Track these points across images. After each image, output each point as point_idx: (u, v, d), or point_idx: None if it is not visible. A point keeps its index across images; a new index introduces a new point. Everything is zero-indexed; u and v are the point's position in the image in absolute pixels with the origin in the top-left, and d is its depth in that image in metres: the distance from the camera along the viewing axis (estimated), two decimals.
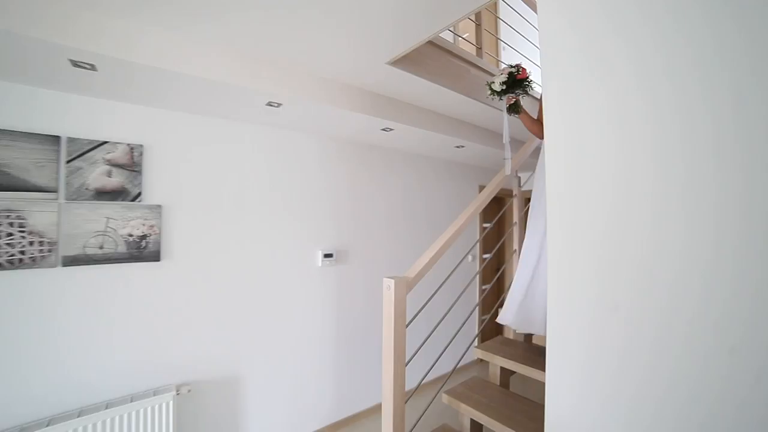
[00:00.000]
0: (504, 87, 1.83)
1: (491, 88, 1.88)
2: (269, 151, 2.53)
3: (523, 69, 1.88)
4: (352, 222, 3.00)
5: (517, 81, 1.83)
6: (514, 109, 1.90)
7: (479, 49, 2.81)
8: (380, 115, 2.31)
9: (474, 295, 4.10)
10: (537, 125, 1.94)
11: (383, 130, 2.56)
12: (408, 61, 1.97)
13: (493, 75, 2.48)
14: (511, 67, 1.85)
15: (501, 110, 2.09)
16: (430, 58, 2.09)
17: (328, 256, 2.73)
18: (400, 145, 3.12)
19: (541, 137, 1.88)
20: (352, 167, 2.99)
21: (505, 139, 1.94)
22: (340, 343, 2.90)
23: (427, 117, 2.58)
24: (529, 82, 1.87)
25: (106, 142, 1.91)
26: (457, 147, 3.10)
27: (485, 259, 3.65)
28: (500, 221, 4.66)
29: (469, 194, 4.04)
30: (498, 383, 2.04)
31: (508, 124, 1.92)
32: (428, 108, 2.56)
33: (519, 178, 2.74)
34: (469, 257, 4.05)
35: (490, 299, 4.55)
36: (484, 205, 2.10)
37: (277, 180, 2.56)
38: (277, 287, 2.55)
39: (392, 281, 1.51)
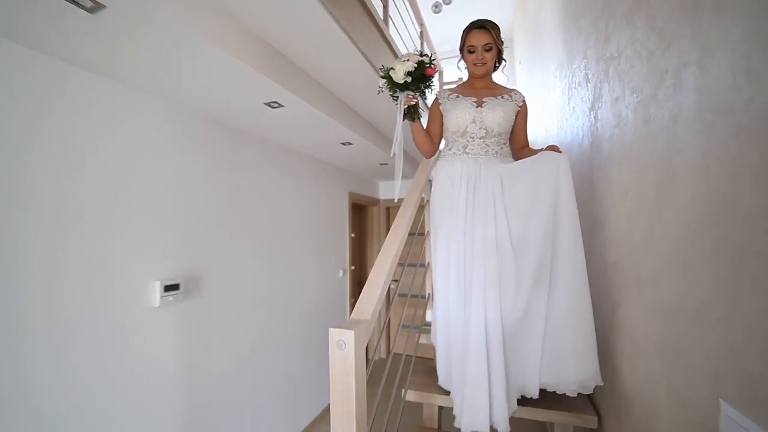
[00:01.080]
0: (408, 79, 1.29)
1: (390, 78, 1.31)
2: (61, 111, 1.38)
3: (434, 62, 1.40)
4: (209, 233, 2.05)
5: (424, 75, 1.33)
6: (412, 113, 1.39)
7: (385, 8, 2.27)
8: (271, 75, 1.59)
9: (344, 314, 3.66)
10: (429, 141, 1.52)
11: (269, 104, 1.82)
12: None
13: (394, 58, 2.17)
14: (421, 54, 1.33)
15: (395, 108, 1.45)
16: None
17: (171, 288, 1.71)
18: (280, 134, 2.41)
19: (431, 155, 1.56)
20: (210, 156, 2.07)
21: (396, 148, 1.41)
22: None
23: (324, 96, 2.01)
24: (432, 82, 1.40)
25: None
26: (344, 144, 2.63)
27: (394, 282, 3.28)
28: (362, 230, 4.43)
29: (340, 203, 3.62)
30: (438, 427, 1.68)
31: (402, 131, 1.40)
32: (326, 84, 2.00)
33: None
34: (340, 272, 3.60)
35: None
36: (413, 217, 1.70)
37: (75, 169, 1.42)
38: (72, 357, 1.38)
39: (349, 333, 0.90)
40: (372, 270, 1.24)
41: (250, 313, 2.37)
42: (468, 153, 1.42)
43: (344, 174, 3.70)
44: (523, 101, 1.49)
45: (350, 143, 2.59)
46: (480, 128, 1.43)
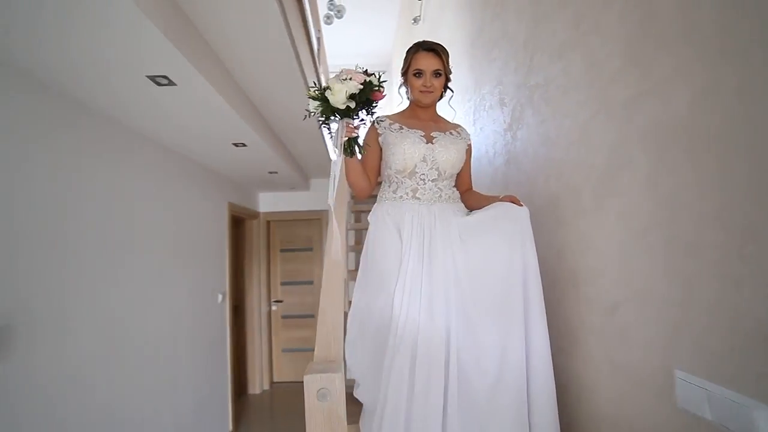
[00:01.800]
0: (351, 104, 1.04)
1: (325, 101, 1.05)
2: None
3: (383, 83, 1.16)
4: (31, 259, 1.38)
5: (369, 99, 1.08)
6: (352, 148, 1.13)
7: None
8: (169, 33, 1.19)
9: (223, 351, 3.07)
10: (366, 179, 1.26)
11: (155, 79, 1.37)
12: None
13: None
14: (367, 74, 1.07)
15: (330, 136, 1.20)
16: None
17: None
18: (159, 125, 1.87)
19: (366, 195, 1.30)
20: (54, 149, 1.42)
21: (332, 196, 1.15)
22: None
23: (227, 81, 1.65)
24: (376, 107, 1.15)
25: None
26: (237, 145, 2.24)
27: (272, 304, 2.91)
28: (240, 247, 3.89)
29: (218, 216, 3.07)
30: None
31: (341, 170, 1.15)
32: (231, 68, 1.66)
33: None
34: (219, 296, 3.02)
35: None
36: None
37: None
38: None
39: (334, 377, 0.69)
40: (324, 302, 1.05)
41: (96, 371, 1.69)
42: (419, 198, 1.22)
43: (223, 182, 3.17)
44: (470, 138, 1.36)
45: (244, 144, 2.22)
46: (432, 168, 1.23)
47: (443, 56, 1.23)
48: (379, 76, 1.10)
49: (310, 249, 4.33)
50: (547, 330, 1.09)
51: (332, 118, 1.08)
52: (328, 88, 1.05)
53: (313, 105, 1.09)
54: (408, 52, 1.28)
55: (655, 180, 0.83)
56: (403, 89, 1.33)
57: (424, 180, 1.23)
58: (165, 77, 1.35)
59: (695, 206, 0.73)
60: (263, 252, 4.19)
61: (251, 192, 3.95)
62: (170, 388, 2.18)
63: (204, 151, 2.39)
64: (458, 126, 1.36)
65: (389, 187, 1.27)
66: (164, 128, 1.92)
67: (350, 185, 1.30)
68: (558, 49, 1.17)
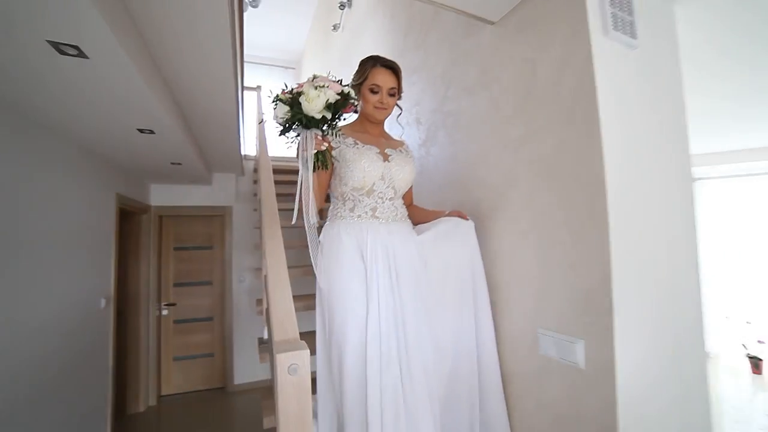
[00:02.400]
0: (327, 114, 0.99)
1: (297, 107, 0.98)
2: None
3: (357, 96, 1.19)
4: None
5: (339, 111, 1.04)
6: (322, 161, 1.07)
7: None
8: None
9: (103, 370, 2.65)
10: (321, 195, 1.22)
11: (59, 47, 1.17)
12: None
13: None
14: (343, 84, 1.05)
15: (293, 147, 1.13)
16: None
17: None
18: (48, 102, 1.56)
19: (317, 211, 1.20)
20: None
21: (311, 218, 1.07)
22: None
23: (142, 53, 1.40)
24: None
25: None
26: (142, 131, 2.01)
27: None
28: (126, 243, 3.38)
29: (104, 208, 2.64)
30: None
31: (311, 187, 1.04)
32: (148, 37, 1.43)
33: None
34: (102, 301, 2.61)
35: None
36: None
37: None
38: None
39: (303, 354, 0.78)
40: (272, 288, 1.10)
41: None
42: (378, 217, 1.19)
43: (111, 170, 2.73)
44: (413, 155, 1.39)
45: (152, 132, 1.99)
46: (389, 187, 1.22)
47: (399, 75, 1.25)
48: (350, 91, 1.07)
49: (210, 247, 4.00)
50: (492, 323, 1.27)
51: (296, 127, 1.01)
52: (301, 93, 0.97)
53: (282, 110, 0.99)
54: (364, 64, 1.24)
55: (531, 197, 1.17)
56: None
57: (382, 198, 1.21)
58: (75, 47, 1.17)
59: (554, 216, 1.09)
60: (154, 250, 3.71)
61: (141, 183, 3.46)
62: (31, 411, 1.81)
63: (97, 136, 2.05)
64: (403, 143, 1.37)
65: (344, 204, 1.21)
66: (54, 107, 1.61)
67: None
68: (469, 88, 1.48)
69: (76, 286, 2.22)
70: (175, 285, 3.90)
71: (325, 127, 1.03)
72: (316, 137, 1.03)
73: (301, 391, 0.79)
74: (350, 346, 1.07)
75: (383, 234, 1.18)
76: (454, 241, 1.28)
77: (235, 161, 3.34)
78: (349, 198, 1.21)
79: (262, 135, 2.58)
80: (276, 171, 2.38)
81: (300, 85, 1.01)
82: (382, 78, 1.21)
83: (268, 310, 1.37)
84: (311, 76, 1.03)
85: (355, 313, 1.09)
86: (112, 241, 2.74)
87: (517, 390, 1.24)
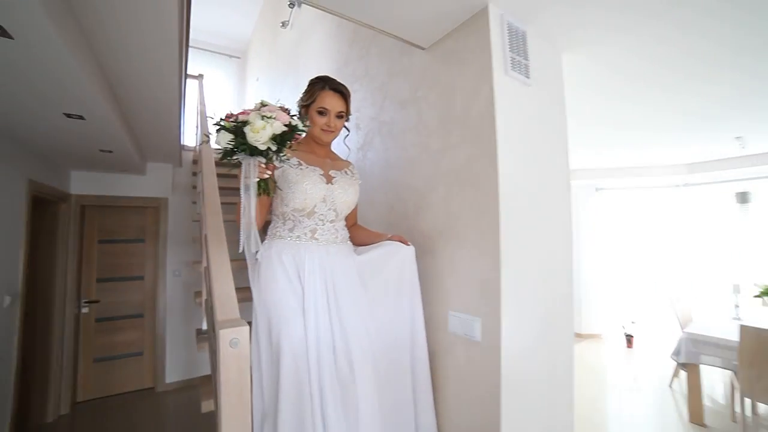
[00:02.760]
0: (272, 146, 0.97)
1: (242, 136, 0.95)
2: None
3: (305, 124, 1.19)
4: None
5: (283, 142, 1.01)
6: (265, 187, 1.08)
7: None
8: None
9: (6, 371, 2.43)
10: (261, 215, 1.20)
11: None
12: None
13: None
14: (287, 112, 1.03)
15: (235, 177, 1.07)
16: None
17: None
18: None
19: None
20: None
21: (252, 245, 1.05)
22: None
23: (78, 37, 1.33)
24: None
25: None
26: (70, 116, 1.90)
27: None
28: (39, 235, 3.09)
29: (10, 196, 2.41)
30: None
31: (253, 216, 1.02)
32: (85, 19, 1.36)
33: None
34: (6, 299, 2.39)
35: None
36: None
37: None
38: None
39: (243, 330, 0.89)
40: (215, 271, 1.17)
41: None
42: (317, 239, 1.21)
43: (24, 154, 2.50)
44: (359, 177, 1.40)
45: (81, 117, 1.89)
46: (330, 209, 1.23)
47: (348, 99, 1.27)
48: (300, 118, 1.09)
49: (142, 240, 3.78)
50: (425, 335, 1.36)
51: (243, 153, 0.96)
52: (246, 122, 0.94)
53: (226, 138, 0.96)
54: (313, 85, 1.26)
55: (447, 201, 1.40)
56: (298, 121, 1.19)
57: (323, 221, 1.22)
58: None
59: (464, 218, 1.32)
60: (74, 243, 3.40)
61: (59, 169, 3.17)
62: None
63: (16, 118, 1.89)
64: (350, 164, 1.39)
65: (284, 224, 1.22)
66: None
67: (239, 216, 1.12)
68: (402, 101, 1.68)
69: None
70: (99, 281, 3.62)
71: (269, 155, 0.99)
72: (259, 165, 0.99)
73: (241, 362, 0.90)
74: (287, 358, 1.07)
75: (321, 256, 1.19)
76: (392, 265, 1.29)
77: (173, 152, 3.22)
78: (289, 218, 1.21)
79: (205, 126, 2.56)
80: (219, 164, 2.38)
81: (246, 112, 0.98)
82: (330, 101, 1.23)
83: (208, 299, 1.43)
84: (259, 102, 1.02)
85: (291, 330, 1.10)
86: (22, 232, 2.51)
87: (435, 362, 1.46)
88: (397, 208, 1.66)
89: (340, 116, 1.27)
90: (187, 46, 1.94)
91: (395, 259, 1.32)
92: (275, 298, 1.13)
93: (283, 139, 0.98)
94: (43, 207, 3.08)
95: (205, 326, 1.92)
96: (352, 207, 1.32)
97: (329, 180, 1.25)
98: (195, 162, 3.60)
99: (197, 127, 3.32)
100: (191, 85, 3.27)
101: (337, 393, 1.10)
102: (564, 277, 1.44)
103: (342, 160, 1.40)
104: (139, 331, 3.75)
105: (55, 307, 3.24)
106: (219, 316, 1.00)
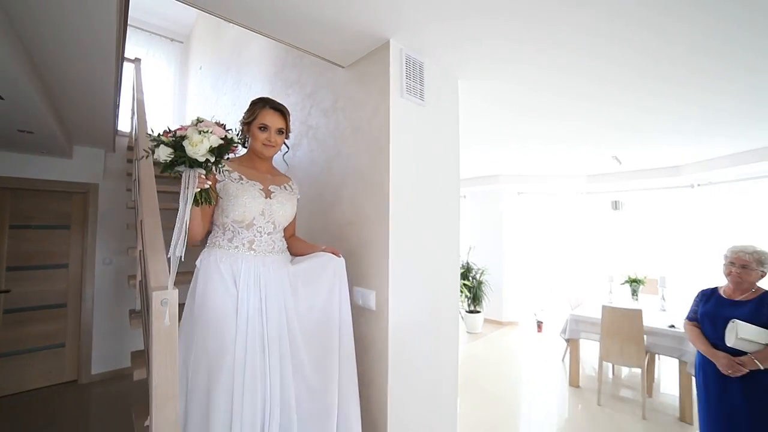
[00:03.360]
0: (211, 158, 1.05)
1: (180, 150, 1.01)
2: None
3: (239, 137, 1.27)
4: None
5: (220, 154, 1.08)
6: (205, 198, 1.13)
7: None
8: None
9: None
10: (202, 225, 1.27)
11: None
12: None
13: None
14: (222, 126, 1.10)
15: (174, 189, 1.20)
16: None
17: None
18: None
19: (198, 240, 1.30)
20: None
21: (179, 249, 1.05)
22: None
23: None
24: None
25: None
26: None
27: None
28: None
29: None
30: None
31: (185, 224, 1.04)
32: None
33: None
34: None
35: None
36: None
37: None
38: None
39: (173, 293, 1.10)
40: (149, 251, 1.33)
41: None
42: (254, 250, 1.30)
43: None
44: (299, 192, 1.51)
45: (1, 98, 1.89)
46: (268, 222, 1.34)
47: (287, 117, 1.39)
48: (237, 132, 1.18)
49: (67, 227, 3.62)
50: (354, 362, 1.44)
51: (182, 166, 1.03)
52: (184, 137, 1.01)
53: (165, 152, 1.02)
54: (254, 104, 1.37)
55: (354, 197, 1.69)
56: (238, 136, 1.30)
57: (260, 232, 1.31)
58: None
59: (366, 210, 1.62)
60: (5, 228, 3.20)
61: None
62: None
63: None
64: (290, 179, 1.49)
65: (224, 234, 1.30)
66: None
67: (194, 232, 1.23)
68: (325, 110, 1.94)
69: None
70: (9, 269, 3.40)
71: (208, 167, 1.06)
72: (199, 176, 1.06)
73: (170, 317, 1.11)
74: (216, 360, 1.17)
75: (257, 265, 1.28)
76: (324, 275, 1.41)
77: (106, 137, 3.17)
78: (228, 229, 1.30)
79: (142, 112, 2.58)
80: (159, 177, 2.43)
81: (183, 128, 1.05)
82: (270, 119, 1.34)
83: (142, 279, 1.58)
84: (195, 119, 1.08)
85: (224, 330, 1.20)
86: None
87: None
88: (318, 201, 1.93)
89: (280, 132, 1.38)
90: (125, 27, 1.80)
91: (327, 270, 1.42)
92: (213, 301, 1.22)
93: (221, 151, 1.05)
94: None
95: (138, 307, 2.04)
96: (290, 220, 1.42)
97: (268, 194, 1.34)
98: (130, 148, 3.54)
99: (133, 112, 3.28)
100: (127, 69, 3.22)
101: (257, 375, 1.21)
102: (451, 269, 1.80)
103: (282, 175, 1.50)
104: (60, 322, 3.60)
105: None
106: (152, 284, 1.18)
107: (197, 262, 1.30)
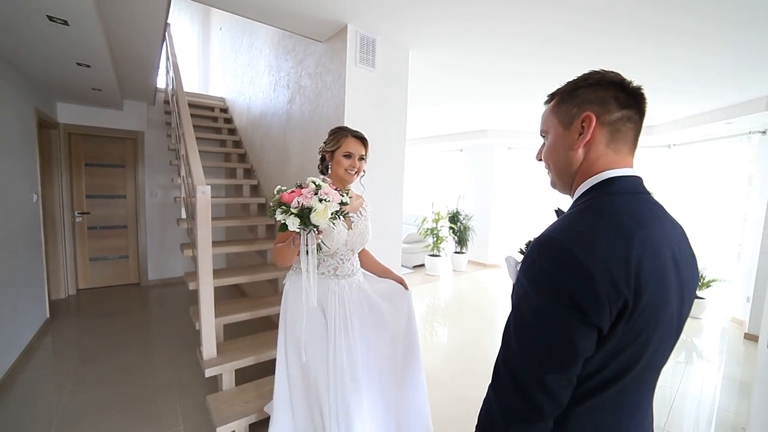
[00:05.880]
0: (333, 222, 1.20)
1: (306, 217, 1.16)
2: None
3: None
4: None
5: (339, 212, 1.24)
6: (319, 247, 1.30)
7: None
8: None
9: (38, 255, 3.36)
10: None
11: None
12: None
13: None
14: (341, 193, 1.27)
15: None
16: None
17: None
18: None
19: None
20: None
21: (313, 299, 1.34)
22: None
23: None
24: None
25: None
26: (81, 65, 2.67)
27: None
28: (40, 156, 3.84)
29: (25, 119, 3.14)
30: None
31: (314, 278, 1.30)
32: None
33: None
34: (35, 196, 3.27)
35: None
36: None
37: None
38: None
39: (206, 188, 1.94)
40: (191, 156, 2.16)
41: None
42: (338, 275, 1.46)
43: (28, 85, 3.12)
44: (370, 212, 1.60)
45: (88, 66, 2.68)
46: (349, 250, 1.48)
47: (367, 144, 1.50)
48: (348, 199, 1.23)
49: (123, 166, 4.59)
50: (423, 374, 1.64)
51: (305, 227, 1.16)
52: (310, 208, 1.13)
53: (294, 223, 1.14)
54: (336, 133, 1.50)
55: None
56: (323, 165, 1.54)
57: (343, 260, 1.46)
58: None
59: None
60: (65, 164, 4.19)
61: (50, 100, 3.86)
62: None
63: (34, 58, 2.52)
64: (363, 200, 1.60)
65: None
66: None
67: (282, 261, 1.34)
68: (310, 74, 2.62)
69: (12, 182, 2.85)
70: (88, 197, 4.47)
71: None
72: (317, 234, 1.20)
73: (207, 203, 1.94)
74: (313, 370, 1.41)
75: (343, 288, 1.46)
76: (394, 303, 1.60)
77: (149, 91, 3.97)
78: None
79: (178, 74, 3.33)
80: (191, 105, 3.24)
81: (297, 192, 1.19)
82: (354, 146, 1.45)
83: (185, 197, 2.43)
84: (311, 184, 1.20)
85: (315, 346, 1.41)
86: (35, 148, 3.31)
87: None
88: (306, 140, 2.68)
89: (361, 159, 1.48)
90: None
91: (403, 301, 1.62)
92: (301, 320, 1.41)
93: (337, 213, 1.19)
94: (40, 132, 3.81)
95: (183, 215, 2.93)
96: (366, 244, 1.57)
97: (350, 226, 1.46)
98: (166, 102, 4.36)
99: (167, 70, 4.02)
100: None
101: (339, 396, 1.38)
102: (395, 213, 2.52)
103: (358, 197, 1.61)
104: (124, 239, 4.70)
105: (56, 214, 4.12)
106: (195, 181, 2.01)
107: (285, 282, 1.52)
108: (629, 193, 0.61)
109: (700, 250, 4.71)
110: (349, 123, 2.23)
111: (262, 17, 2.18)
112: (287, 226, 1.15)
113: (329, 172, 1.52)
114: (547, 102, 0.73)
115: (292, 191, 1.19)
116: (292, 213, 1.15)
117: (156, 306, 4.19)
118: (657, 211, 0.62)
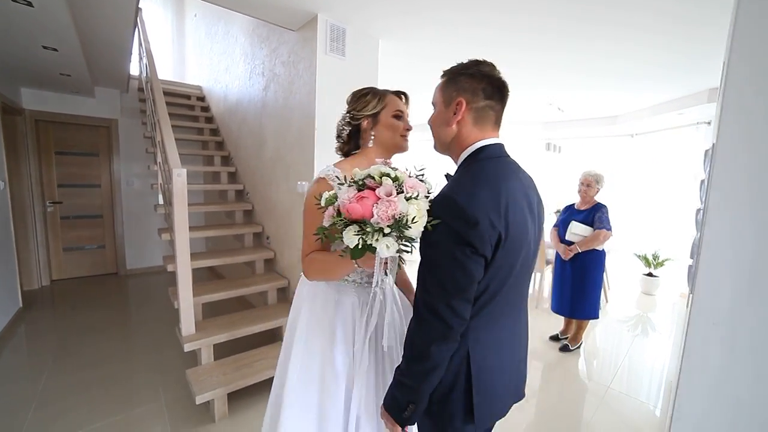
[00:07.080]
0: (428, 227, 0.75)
1: (398, 230, 0.74)
2: None
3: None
4: None
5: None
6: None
7: None
8: None
9: (8, 245, 3.33)
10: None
11: None
12: None
13: None
14: (417, 176, 0.83)
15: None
16: None
17: None
18: None
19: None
20: None
21: (388, 340, 0.99)
22: None
23: None
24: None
25: None
26: (47, 48, 2.65)
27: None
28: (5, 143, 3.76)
29: None
30: None
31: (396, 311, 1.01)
32: None
33: None
34: (1, 183, 3.23)
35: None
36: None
37: None
38: None
39: (182, 171, 2.01)
40: (169, 151, 2.22)
41: None
42: (369, 283, 1.13)
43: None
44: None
45: (55, 50, 2.66)
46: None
47: (408, 101, 1.16)
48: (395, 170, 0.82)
49: (96, 154, 4.52)
50: None
51: (379, 242, 0.74)
52: (406, 218, 0.73)
53: (390, 246, 0.74)
54: (375, 93, 1.12)
55: (300, 124, 2.52)
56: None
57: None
58: None
59: (305, 132, 2.47)
60: (33, 152, 4.10)
61: (13, 86, 3.75)
62: None
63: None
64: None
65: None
66: None
67: (329, 277, 1.08)
68: (284, 62, 2.69)
69: None
70: (60, 186, 4.39)
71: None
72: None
73: (183, 186, 2.02)
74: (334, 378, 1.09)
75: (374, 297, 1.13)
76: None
77: (121, 78, 3.93)
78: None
79: (152, 60, 3.33)
80: (167, 93, 3.25)
81: (377, 195, 0.76)
82: (402, 104, 1.11)
83: (162, 183, 2.49)
84: (384, 178, 0.78)
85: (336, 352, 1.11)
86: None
87: None
88: (279, 126, 2.77)
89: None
90: None
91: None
92: (328, 347, 1.13)
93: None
94: (3, 119, 3.71)
95: (161, 200, 2.97)
96: None
97: None
98: (141, 89, 4.31)
99: (140, 57, 3.98)
100: None
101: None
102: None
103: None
104: (99, 228, 4.65)
105: (26, 204, 4.05)
106: (171, 163, 2.09)
107: (303, 291, 1.22)
108: (495, 157, 0.83)
109: (658, 232, 5.06)
110: (320, 110, 2.34)
111: (235, 5, 2.24)
112: (371, 248, 0.75)
113: (369, 144, 1.12)
114: (441, 77, 0.89)
115: (357, 197, 0.77)
116: (383, 232, 0.75)
117: (135, 294, 4.20)
118: (514, 168, 0.85)
